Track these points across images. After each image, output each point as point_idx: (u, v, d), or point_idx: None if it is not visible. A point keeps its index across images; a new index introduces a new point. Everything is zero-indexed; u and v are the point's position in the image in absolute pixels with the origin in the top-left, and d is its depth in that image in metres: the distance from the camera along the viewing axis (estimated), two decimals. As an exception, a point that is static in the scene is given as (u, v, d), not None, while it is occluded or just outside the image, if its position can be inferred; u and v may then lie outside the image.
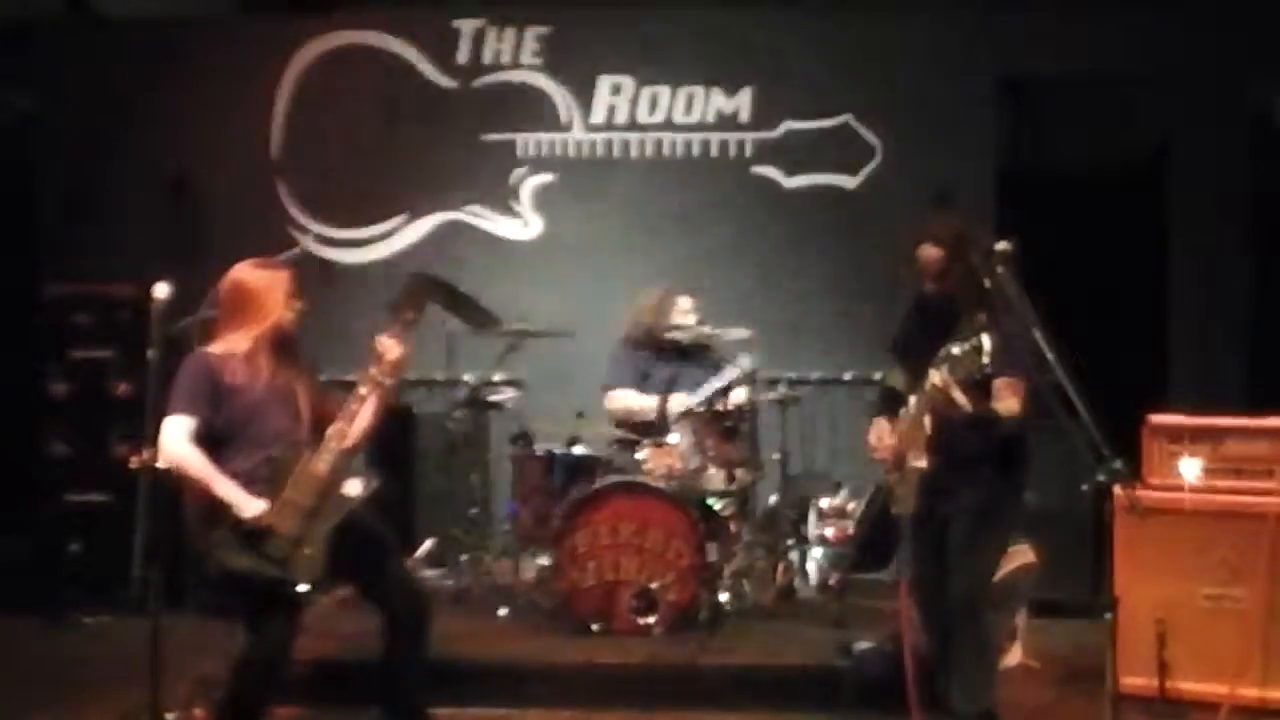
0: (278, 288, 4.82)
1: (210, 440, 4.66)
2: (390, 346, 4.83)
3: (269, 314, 4.79)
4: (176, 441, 4.60)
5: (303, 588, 4.58)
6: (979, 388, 4.61)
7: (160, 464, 4.59)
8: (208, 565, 4.62)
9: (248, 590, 4.63)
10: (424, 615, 4.96)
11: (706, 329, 6.89)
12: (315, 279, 5.55)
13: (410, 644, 4.93)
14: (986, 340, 4.52)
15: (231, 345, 4.77)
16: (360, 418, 4.78)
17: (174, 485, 4.60)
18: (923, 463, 4.70)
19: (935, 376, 4.57)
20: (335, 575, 4.80)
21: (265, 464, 4.67)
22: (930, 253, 4.80)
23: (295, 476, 4.65)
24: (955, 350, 4.48)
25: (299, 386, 4.83)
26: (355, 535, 4.72)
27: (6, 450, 7.90)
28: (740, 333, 6.87)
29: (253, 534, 4.54)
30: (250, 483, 4.62)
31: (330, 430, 4.73)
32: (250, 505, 4.55)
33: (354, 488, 4.73)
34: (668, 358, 6.96)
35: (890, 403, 4.98)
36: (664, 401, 6.69)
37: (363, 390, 4.78)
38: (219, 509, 4.56)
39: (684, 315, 6.95)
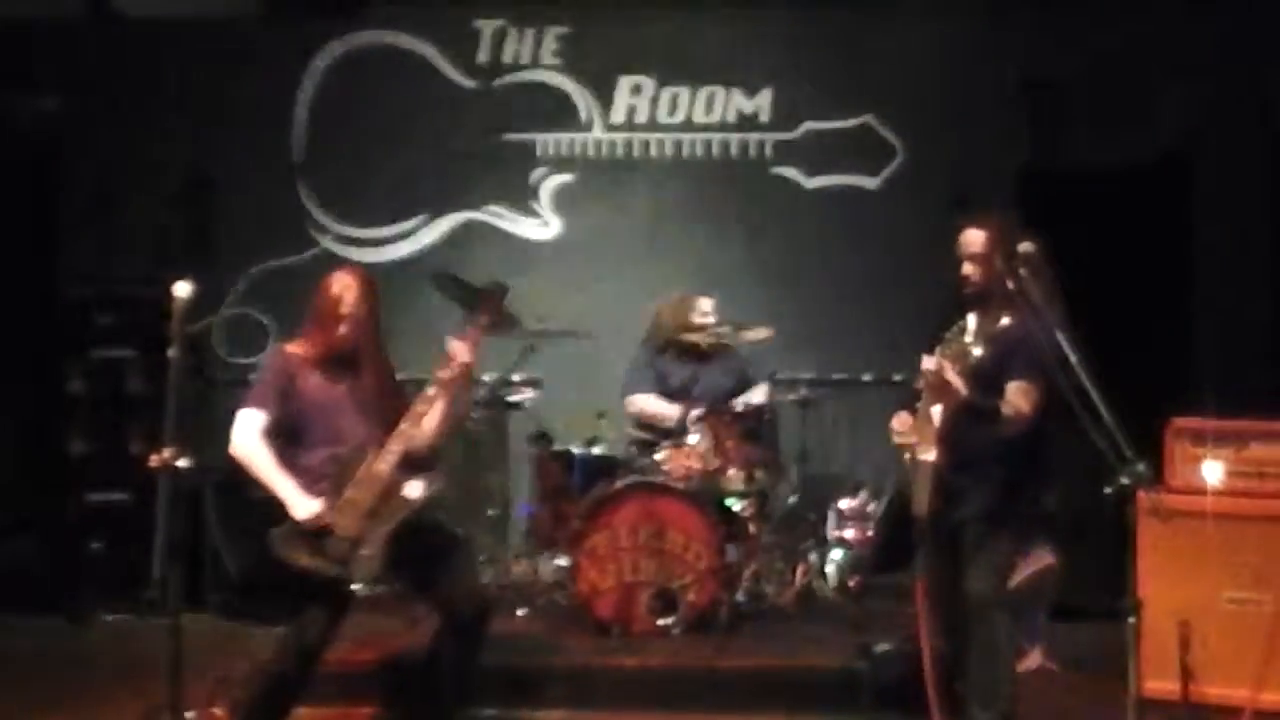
0: (350, 293, 4.87)
1: (283, 435, 4.77)
2: (460, 350, 4.88)
3: (341, 318, 4.84)
4: (246, 436, 4.73)
5: (357, 588, 4.63)
6: (985, 380, 4.60)
7: (230, 451, 4.71)
8: (267, 559, 4.65)
9: (301, 586, 4.68)
10: (485, 619, 4.99)
11: (726, 330, 6.88)
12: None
13: (467, 647, 4.95)
14: (971, 320, 4.52)
15: (308, 347, 4.87)
16: (427, 419, 4.83)
17: (195, 484, 4.62)
18: (931, 455, 4.69)
19: (929, 360, 4.59)
20: (398, 574, 4.86)
21: (331, 463, 4.74)
22: (972, 236, 4.79)
23: (358, 476, 4.70)
24: (947, 335, 4.55)
25: (375, 389, 4.88)
26: (420, 535, 4.77)
27: (27, 449, 7.92)
28: (760, 334, 6.87)
29: (313, 531, 4.61)
30: (315, 480, 4.70)
31: (394, 432, 4.77)
32: (303, 506, 4.62)
33: (415, 489, 4.75)
34: (687, 360, 6.95)
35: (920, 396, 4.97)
36: (686, 410, 6.69)
37: (430, 392, 4.84)
38: (279, 506, 4.64)
39: (704, 317, 6.94)
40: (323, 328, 4.87)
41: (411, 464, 4.79)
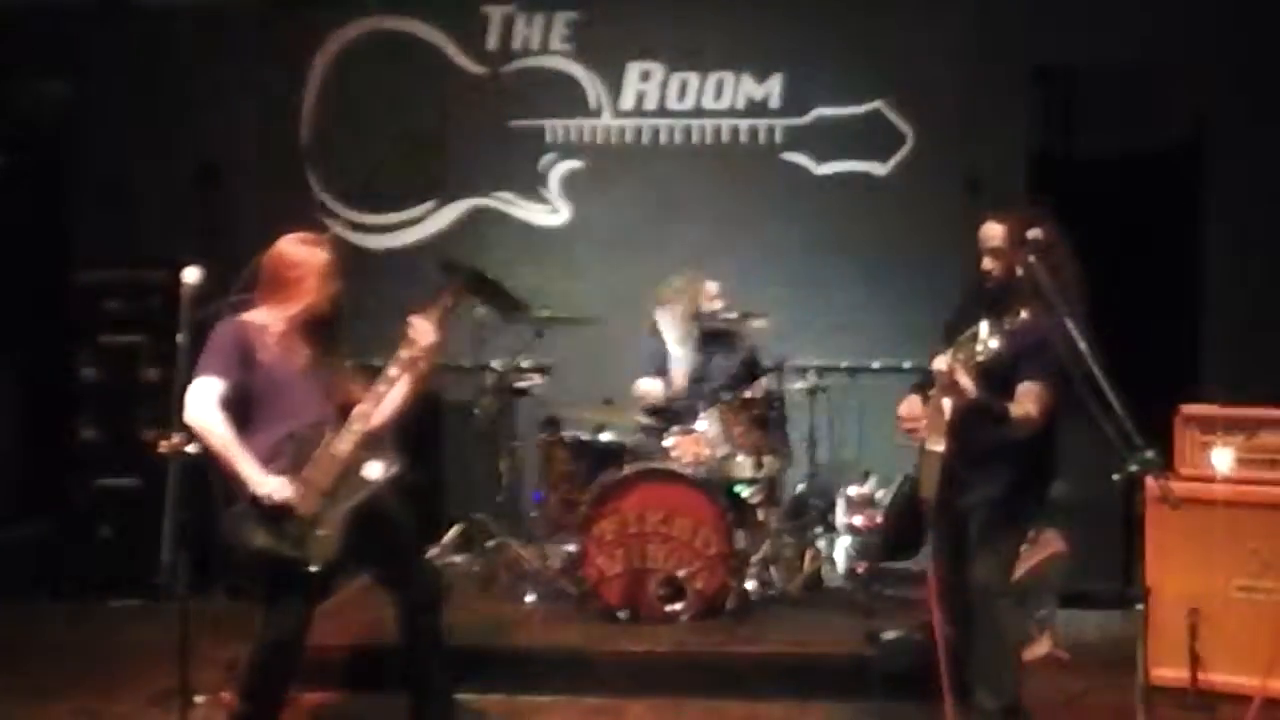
0: (315, 267, 4.79)
1: (236, 412, 4.62)
2: (424, 330, 4.80)
3: (304, 293, 4.76)
4: (202, 405, 4.57)
5: (314, 568, 4.54)
6: (994, 378, 4.59)
7: (185, 421, 4.55)
8: (226, 539, 4.60)
9: (262, 568, 4.61)
10: (436, 601, 4.96)
11: (734, 315, 6.87)
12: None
13: (425, 630, 4.92)
14: (984, 327, 4.52)
15: (266, 318, 4.75)
16: (387, 400, 4.75)
17: (204, 466, 4.59)
18: (940, 446, 4.69)
19: (940, 360, 4.59)
20: (351, 557, 4.76)
21: (287, 441, 4.64)
22: (993, 230, 4.78)
23: (316, 456, 4.62)
24: (960, 338, 4.54)
25: (332, 368, 4.81)
26: (374, 518, 4.69)
27: (38, 435, 7.96)
28: (768, 320, 6.87)
29: (270, 511, 4.51)
30: (271, 459, 4.60)
31: (355, 411, 4.70)
32: (265, 483, 4.52)
33: (374, 470, 4.67)
34: (695, 344, 6.95)
35: (930, 383, 4.96)
36: (672, 385, 6.70)
37: (392, 372, 4.76)
38: (237, 483, 4.55)
39: (711, 300, 6.93)
40: (277, 300, 4.75)
41: (370, 444, 4.70)
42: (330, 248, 4.88)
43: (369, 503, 4.66)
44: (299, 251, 4.81)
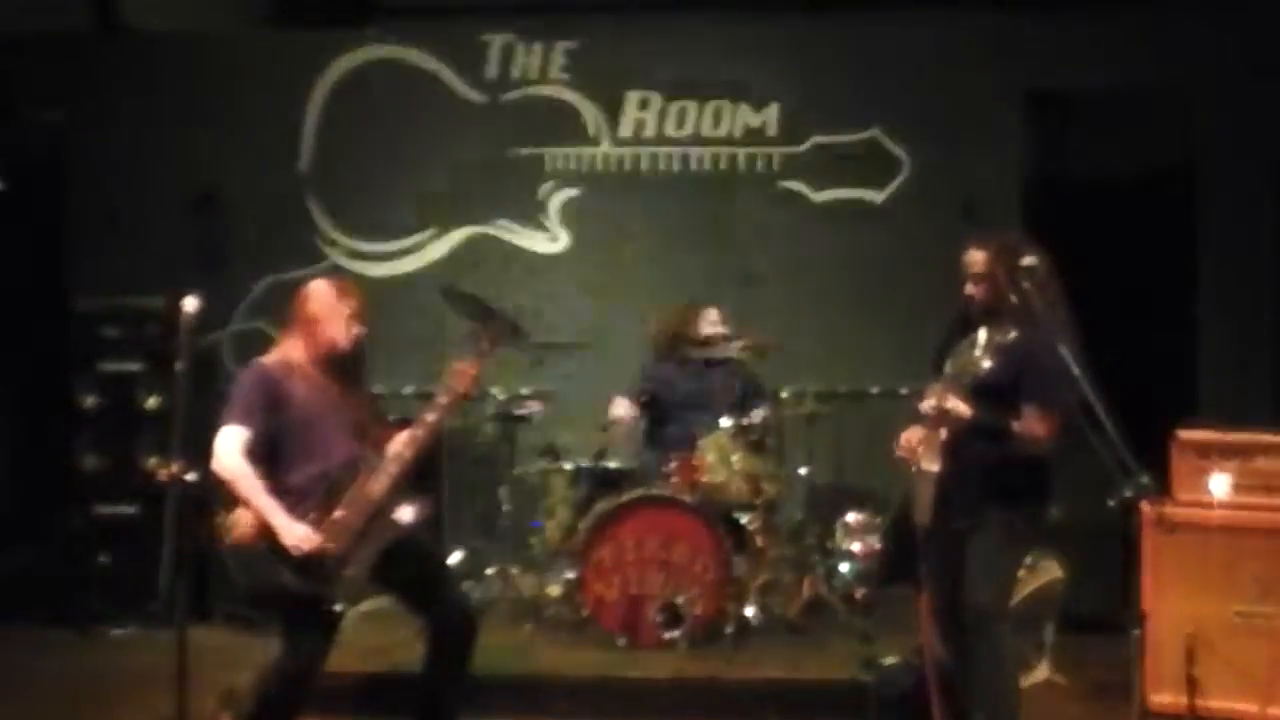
0: (339, 308, 4.86)
1: (266, 452, 4.68)
2: (464, 376, 4.84)
3: (326, 332, 4.83)
4: (229, 455, 4.63)
5: (339, 608, 4.60)
6: (992, 394, 4.61)
7: (213, 470, 4.61)
8: (251, 574, 4.64)
9: (284, 602, 4.65)
10: (471, 637, 4.97)
11: (736, 343, 6.90)
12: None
13: (454, 664, 4.95)
14: (983, 333, 4.54)
15: (289, 356, 4.82)
16: (420, 441, 4.79)
17: (203, 494, 4.60)
18: (935, 467, 4.71)
19: (926, 403, 4.69)
20: (387, 589, 4.88)
21: (320, 480, 4.68)
22: (974, 256, 4.79)
23: (349, 496, 4.66)
24: (956, 349, 4.65)
25: (358, 406, 4.86)
26: (408, 552, 4.76)
27: (36, 462, 7.96)
28: (768, 345, 6.90)
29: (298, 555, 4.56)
30: (303, 498, 4.65)
31: (390, 452, 4.75)
32: (292, 532, 4.57)
33: (406, 514, 4.74)
34: (693, 369, 6.97)
35: None
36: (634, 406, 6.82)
37: (430, 417, 4.81)
38: (265, 525, 4.58)
39: (712, 326, 6.96)
40: (320, 334, 4.83)
41: (400, 486, 4.76)
42: (359, 294, 4.97)
43: (404, 544, 4.74)
44: (321, 292, 4.90)
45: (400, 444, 4.77)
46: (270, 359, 4.84)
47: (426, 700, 4.99)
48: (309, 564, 4.56)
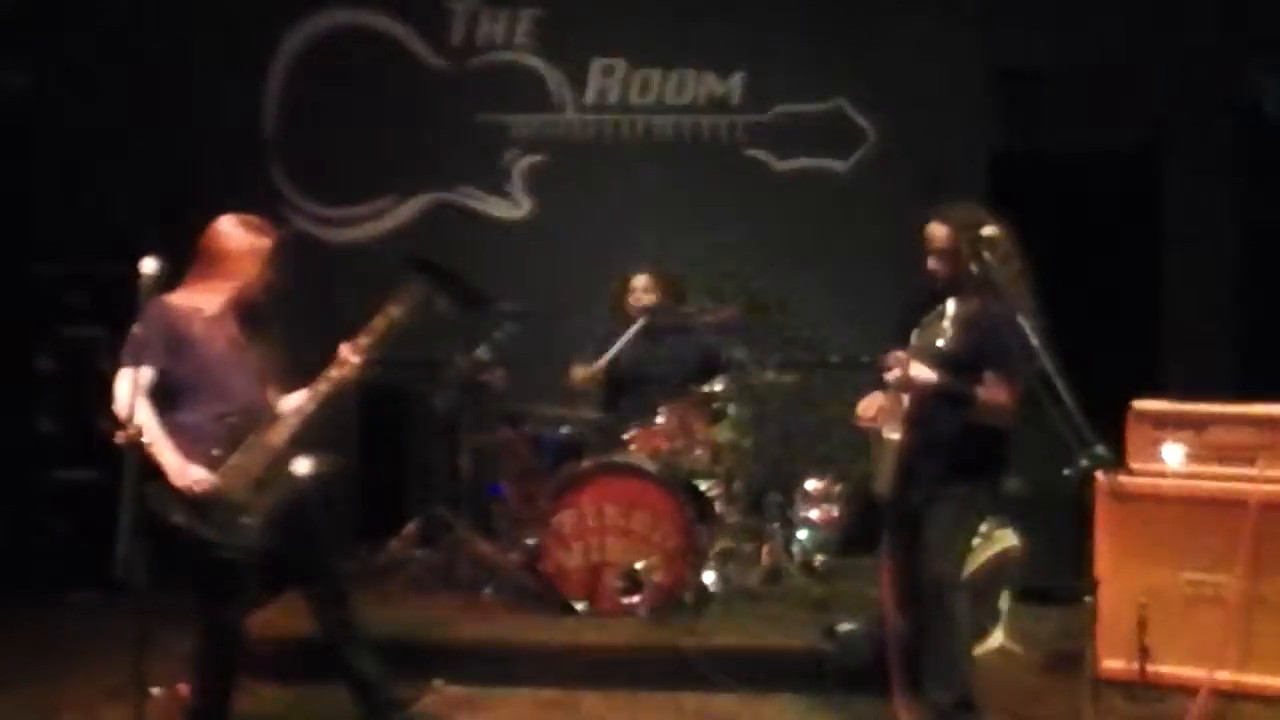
0: (254, 251, 4.77)
1: (165, 391, 4.61)
2: (350, 359, 4.79)
3: (240, 276, 4.75)
4: (128, 393, 4.52)
5: (231, 555, 4.54)
6: (957, 364, 4.65)
7: (114, 410, 4.53)
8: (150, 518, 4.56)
9: (182, 549, 4.57)
10: (341, 595, 4.95)
11: (690, 309, 6.92)
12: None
13: (338, 623, 4.93)
14: (950, 305, 4.57)
15: (196, 297, 4.73)
16: (318, 399, 4.75)
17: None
18: (896, 435, 4.74)
19: (890, 373, 4.72)
20: (268, 545, 4.74)
21: (219, 423, 4.62)
22: (936, 231, 4.82)
23: (249, 443, 4.62)
24: (924, 319, 4.72)
25: (263, 354, 4.79)
26: (297, 512, 4.72)
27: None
28: (727, 312, 6.91)
29: (195, 496, 4.51)
30: (199, 439, 4.58)
31: (293, 404, 4.73)
32: (185, 474, 4.51)
33: (304, 466, 4.71)
34: (653, 338, 6.97)
35: None
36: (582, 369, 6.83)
37: (321, 387, 4.77)
38: (159, 466, 4.52)
39: (643, 294, 6.96)
40: (211, 279, 4.73)
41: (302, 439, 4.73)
42: (272, 235, 4.86)
43: (296, 496, 4.68)
44: (238, 233, 4.79)
45: (304, 397, 4.73)
46: (175, 296, 4.71)
47: (338, 665, 4.99)
48: (205, 509, 4.51)
